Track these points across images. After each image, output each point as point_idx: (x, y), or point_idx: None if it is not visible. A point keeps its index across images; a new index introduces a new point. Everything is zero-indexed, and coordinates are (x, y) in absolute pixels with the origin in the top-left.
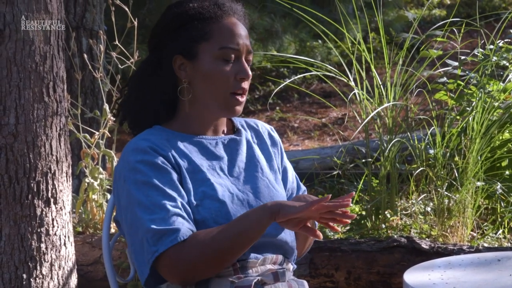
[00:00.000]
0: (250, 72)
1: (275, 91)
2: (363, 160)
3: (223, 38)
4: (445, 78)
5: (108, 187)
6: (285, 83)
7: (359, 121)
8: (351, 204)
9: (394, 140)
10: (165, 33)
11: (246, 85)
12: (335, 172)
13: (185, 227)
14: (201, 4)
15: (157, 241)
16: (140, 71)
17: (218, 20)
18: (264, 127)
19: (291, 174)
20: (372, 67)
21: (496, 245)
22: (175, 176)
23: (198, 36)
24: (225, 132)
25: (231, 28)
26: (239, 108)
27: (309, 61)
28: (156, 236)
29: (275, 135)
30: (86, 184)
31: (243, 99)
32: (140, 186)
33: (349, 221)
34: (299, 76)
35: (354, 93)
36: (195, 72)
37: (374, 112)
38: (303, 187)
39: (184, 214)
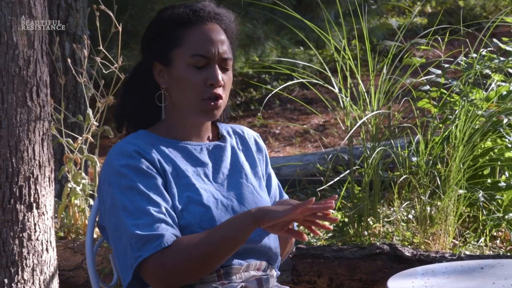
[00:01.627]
0: (220, 78)
1: (265, 100)
2: (348, 171)
3: (195, 44)
4: (428, 86)
5: (91, 192)
6: (273, 91)
7: (342, 127)
8: (334, 211)
9: (380, 149)
10: (145, 39)
11: (219, 91)
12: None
13: (169, 233)
14: (178, 10)
15: (141, 247)
16: (130, 74)
17: (191, 26)
18: (250, 134)
19: (275, 181)
20: (358, 74)
21: (478, 253)
22: (159, 181)
23: (172, 42)
24: (210, 138)
25: (204, 34)
26: (216, 112)
27: (295, 65)
28: (140, 242)
29: (261, 142)
30: (69, 189)
31: (216, 103)
32: (125, 191)
33: (331, 227)
34: (285, 84)
35: (337, 100)
36: (171, 78)
37: (362, 120)
38: (285, 196)
39: (168, 220)
